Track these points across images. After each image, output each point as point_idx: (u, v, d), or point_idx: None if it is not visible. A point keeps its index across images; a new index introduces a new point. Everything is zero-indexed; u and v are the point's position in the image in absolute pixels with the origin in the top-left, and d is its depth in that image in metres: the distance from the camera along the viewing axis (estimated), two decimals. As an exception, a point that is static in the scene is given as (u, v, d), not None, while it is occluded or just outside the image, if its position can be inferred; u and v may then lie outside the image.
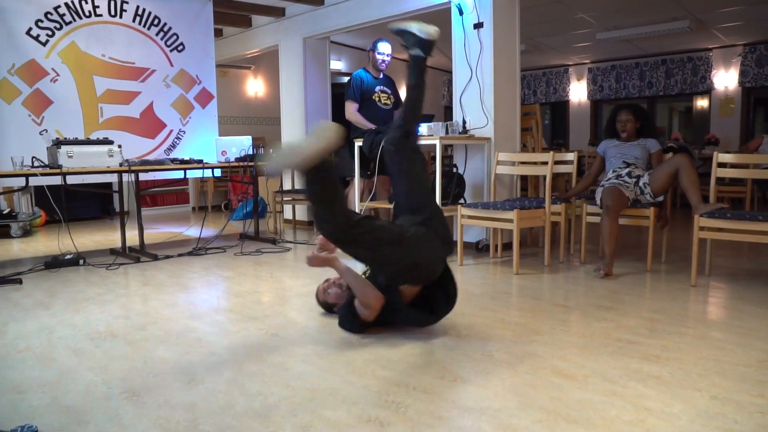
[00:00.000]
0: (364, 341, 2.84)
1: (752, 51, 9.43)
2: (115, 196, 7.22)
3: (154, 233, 6.80)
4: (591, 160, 7.30)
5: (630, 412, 2.05)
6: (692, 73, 10.08)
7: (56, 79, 5.44)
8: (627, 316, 3.23)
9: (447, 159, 6.89)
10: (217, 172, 6.17)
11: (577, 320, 3.16)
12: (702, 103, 10.44)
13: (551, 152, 4.54)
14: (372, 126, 5.35)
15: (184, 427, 1.99)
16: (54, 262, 4.76)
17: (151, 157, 5.81)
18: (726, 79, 9.74)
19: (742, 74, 9.56)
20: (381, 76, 5.73)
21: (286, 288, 4.00)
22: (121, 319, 3.28)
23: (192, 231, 6.88)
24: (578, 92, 11.70)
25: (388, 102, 5.68)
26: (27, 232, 6.94)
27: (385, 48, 5.64)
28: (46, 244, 6.24)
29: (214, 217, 8.47)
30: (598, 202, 4.54)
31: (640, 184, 4.45)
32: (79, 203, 8.06)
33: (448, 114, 12.26)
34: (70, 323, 3.22)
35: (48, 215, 7.82)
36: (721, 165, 4.21)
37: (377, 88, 5.65)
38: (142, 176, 6.15)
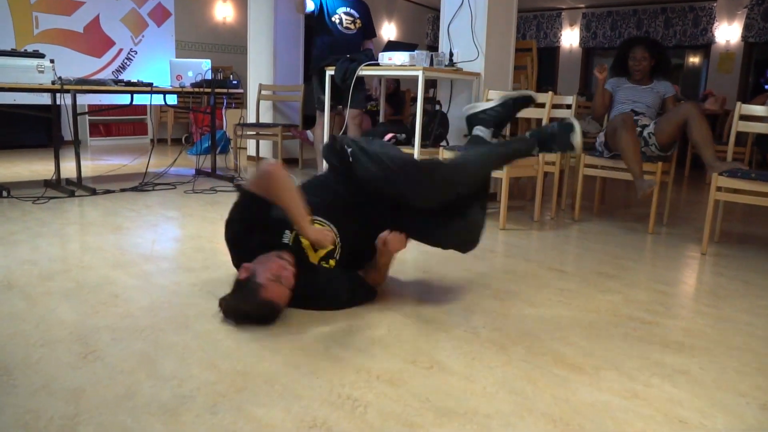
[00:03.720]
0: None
1: (759, 3, 8.83)
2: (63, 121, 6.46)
3: (104, 165, 6.13)
4: (584, 111, 6.74)
5: (661, 425, 1.54)
6: (693, 24, 9.48)
7: (-20, -21, 4.68)
8: (634, 287, 2.73)
9: (428, 99, 6.28)
10: (171, 99, 5.49)
11: (577, 290, 2.65)
12: (694, 59, 9.88)
13: (549, 92, 3.97)
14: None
15: (57, 428, 1.43)
16: (-29, 192, 4.11)
17: (95, 79, 5.09)
18: (728, 32, 9.17)
19: (746, 28, 8.99)
20: None
21: (237, 234, 3.41)
22: (27, 266, 2.69)
23: (151, 164, 6.20)
24: (570, 38, 11.06)
25: (351, 27, 5.01)
26: (-42, 157, 6.19)
27: None
28: (-25, 170, 5.54)
29: (174, 152, 7.78)
30: (601, 143, 3.99)
31: (645, 134, 3.92)
32: (20, 128, 7.29)
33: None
34: (-39, 267, 2.63)
35: (-15, 140, 7.07)
36: (744, 118, 3.67)
37: (340, 9, 4.96)
38: (89, 100, 5.47)
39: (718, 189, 3.36)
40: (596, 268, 3.02)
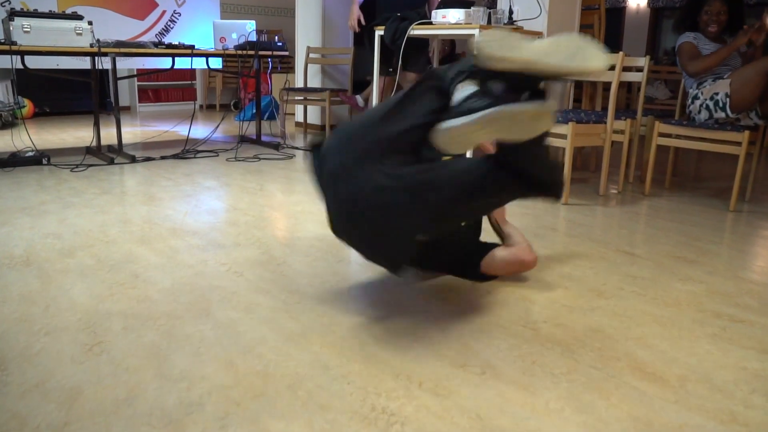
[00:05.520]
0: (356, 294, 2.04)
1: None
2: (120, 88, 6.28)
3: (151, 131, 6.00)
4: (655, 75, 6.23)
5: (772, 462, 1.24)
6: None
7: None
8: (719, 275, 2.37)
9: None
10: (216, 63, 5.28)
11: (652, 278, 2.31)
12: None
13: (620, 53, 3.56)
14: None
15: (40, 441, 1.23)
16: (9, 160, 4.00)
17: (134, 41, 4.92)
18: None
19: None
20: None
21: (275, 205, 3.19)
22: (51, 239, 2.52)
23: (199, 131, 6.03)
24: (638, -3, 10.36)
25: None
26: (8, 124, 6.17)
27: None
28: (24, 138, 5.48)
29: (224, 118, 7.62)
30: (720, 102, 3.50)
31: (719, 96, 3.49)
32: (72, 94, 7.25)
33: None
34: (-18, 240, 2.48)
35: (37, 106, 7.05)
36: None
37: None
38: (131, 64, 5.32)
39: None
40: (672, 251, 2.66)
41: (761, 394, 1.49)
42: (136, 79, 7.60)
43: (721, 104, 3.53)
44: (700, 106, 3.67)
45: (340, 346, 1.65)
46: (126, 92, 7.96)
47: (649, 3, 10.23)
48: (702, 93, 3.66)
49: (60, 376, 1.47)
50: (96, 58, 4.26)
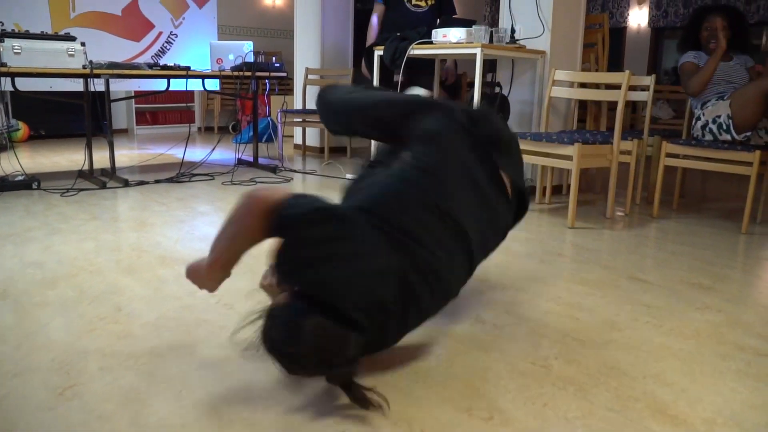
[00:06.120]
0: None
1: None
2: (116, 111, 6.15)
3: (147, 153, 5.90)
4: (658, 95, 6.14)
5: None
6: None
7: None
8: (738, 303, 2.24)
9: (486, 84, 5.80)
10: (213, 85, 5.19)
11: (667, 307, 2.18)
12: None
13: (627, 72, 3.46)
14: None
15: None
16: (-2, 184, 3.89)
17: (128, 63, 4.83)
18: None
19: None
20: None
21: (271, 232, 3.06)
22: (32, 269, 2.39)
23: (197, 153, 5.93)
24: (638, 18, 10.32)
25: (422, 3, 4.57)
26: (1, 147, 6.05)
27: None
28: (15, 162, 5.37)
29: (220, 140, 7.52)
30: (722, 124, 3.41)
31: (721, 120, 3.40)
32: (68, 117, 7.16)
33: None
34: (-40, 270, 2.36)
35: (32, 129, 6.96)
36: None
37: None
38: (126, 86, 5.23)
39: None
40: (686, 277, 2.54)
41: (797, 441, 1.35)
42: (133, 101, 7.53)
43: (725, 127, 3.43)
44: (702, 128, 3.56)
45: (334, 389, 1.52)
46: (123, 115, 7.89)
47: (649, 23, 10.20)
48: (704, 114, 3.56)
49: (23, 426, 1.33)
50: (89, 80, 4.17)
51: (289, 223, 1.42)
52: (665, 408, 1.47)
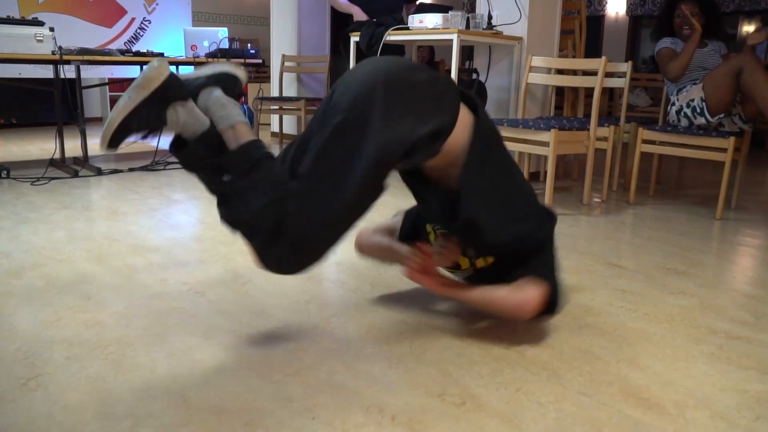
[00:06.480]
0: (326, 315, 1.89)
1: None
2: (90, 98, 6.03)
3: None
4: (635, 83, 6.17)
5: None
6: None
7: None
8: (711, 287, 2.26)
9: (463, 71, 5.78)
10: (185, 71, 5.10)
11: (642, 292, 2.19)
12: (749, 28, 9.09)
13: (603, 58, 3.46)
14: (361, 13, 4.24)
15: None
16: (-34, 173, 3.80)
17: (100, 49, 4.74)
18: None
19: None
20: None
21: (246, 220, 3.02)
22: (-2, 258, 2.34)
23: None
24: (616, 6, 10.36)
25: None
26: (-29, 135, 5.93)
27: None
28: (-17, 149, 5.27)
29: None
30: (696, 107, 3.41)
31: (695, 103, 3.41)
32: (41, 105, 7.02)
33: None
34: (-77, 260, 2.29)
35: (3, 117, 6.83)
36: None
37: None
38: (98, 74, 5.13)
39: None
40: (661, 262, 2.55)
41: (767, 421, 1.36)
42: (107, 88, 7.40)
43: (698, 110, 3.44)
44: (677, 113, 3.58)
45: (306, 375, 1.50)
46: (97, 103, 7.75)
47: (627, 11, 10.24)
48: (678, 99, 3.58)
49: (-14, 417, 1.30)
50: (59, 66, 4.08)
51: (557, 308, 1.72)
52: (638, 391, 1.47)
